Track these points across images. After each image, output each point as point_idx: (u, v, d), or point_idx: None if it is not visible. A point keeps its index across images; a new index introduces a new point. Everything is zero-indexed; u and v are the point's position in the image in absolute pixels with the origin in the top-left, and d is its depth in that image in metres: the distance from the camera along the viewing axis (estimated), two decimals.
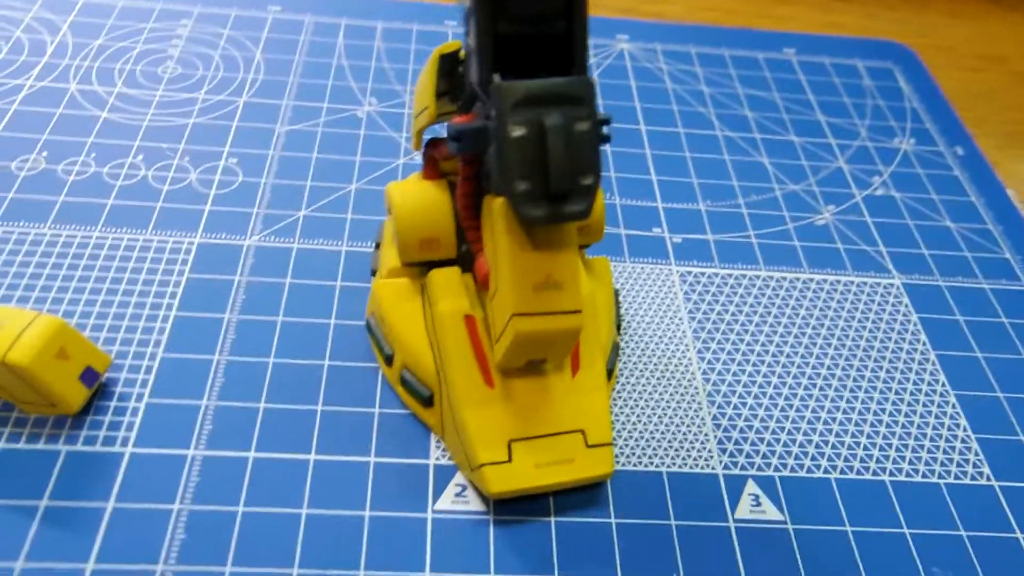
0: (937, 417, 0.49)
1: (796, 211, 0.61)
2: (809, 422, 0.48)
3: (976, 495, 0.46)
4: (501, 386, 0.42)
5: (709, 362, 0.51)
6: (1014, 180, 0.69)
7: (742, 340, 0.52)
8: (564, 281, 0.38)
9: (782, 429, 0.48)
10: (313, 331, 0.49)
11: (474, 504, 0.43)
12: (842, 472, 0.46)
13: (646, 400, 0.48)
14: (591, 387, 0.43)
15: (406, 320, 0.45)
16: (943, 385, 0.51)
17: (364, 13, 0.74)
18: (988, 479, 0.47)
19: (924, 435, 0.48)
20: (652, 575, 0.41)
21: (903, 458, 0.47)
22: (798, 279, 0.56)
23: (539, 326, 0.38)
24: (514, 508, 0.42)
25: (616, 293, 0.50)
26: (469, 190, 0.42)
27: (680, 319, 0.53)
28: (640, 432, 0.47)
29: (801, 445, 0.47)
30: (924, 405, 0.50)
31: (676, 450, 0.46)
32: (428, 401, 0.44)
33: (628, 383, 0.49)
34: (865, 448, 0.47)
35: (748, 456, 0.46)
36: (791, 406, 0.49)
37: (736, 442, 0.47)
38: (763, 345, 0.52)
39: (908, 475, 0.46)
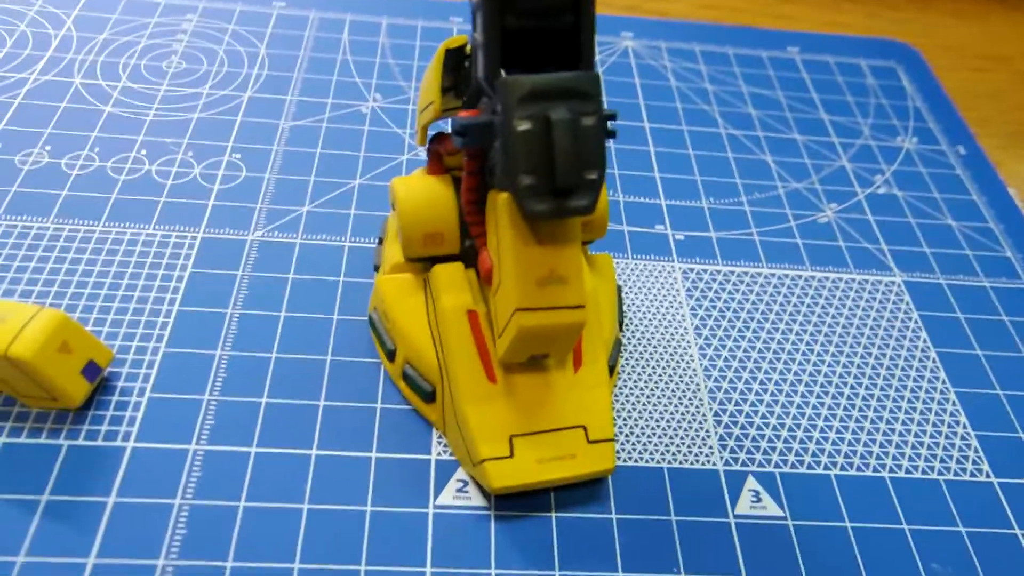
0: (937, 414, 0.50)
1: (799, 209, 0.61)
2: (809, 419, 0.48)
3: (975, 492, 0.46)
4: (503, 381, 0.42)
5: (711, 359, 0.51)
6: (1016, 179, 0.69)
7: (744, 337, 0.52)
8: (568, 276, 0.38)
9: (783, 425, 0.48)
10: (315, 326, 0.49)
11: (475, 499, 0.43)
12: (842, 468, 0.46)
13: (648, 396, 0.48)
14: (593, 383, 0.43)
15: (409, 315, 0.45)
16: (943, 382, 0.51)
17: (369, 9, 0.74)
18: (987, 476, 0.47)
19: (924, 432, 0.48)
20: (653, 570, 0.41)
21: (903, 455, 0.47)
22: (800, 276, 0.56)
23: (542, 321, 0.38)
24: (515, 503, 0.43)
25: (619, 289, 0.50)
26: (473, 185, 0.42)
27: (682, 316, 0.53)
28: (642, 428, 0.47)
29: (801, 441, 0.47)
30: (924, 402, 0.50)
31: (677, 446, 0.46)
32: (430, 396, 0.44)
33: (630, 379, 0.49)
34: (865, 444, 0.47)
35: (749, 452, 0.46)
36: (792, 403, 0.49)
37: (737, 438, 0.47)
38: (764, 342, 0.52)
39: (908, 472, 0.46)
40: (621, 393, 0.48)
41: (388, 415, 0.46)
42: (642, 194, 0.61)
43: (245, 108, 0.62)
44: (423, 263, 0.46)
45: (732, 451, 0.46)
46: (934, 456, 0.47)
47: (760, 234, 0.59)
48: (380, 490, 0.42)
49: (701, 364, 0.50)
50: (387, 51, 0.70)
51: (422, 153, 0.61)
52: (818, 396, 0.49)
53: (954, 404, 0.50)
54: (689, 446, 0.46)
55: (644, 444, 0.46)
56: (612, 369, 0.47)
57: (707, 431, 0.47)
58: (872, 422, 0.49)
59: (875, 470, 0.46)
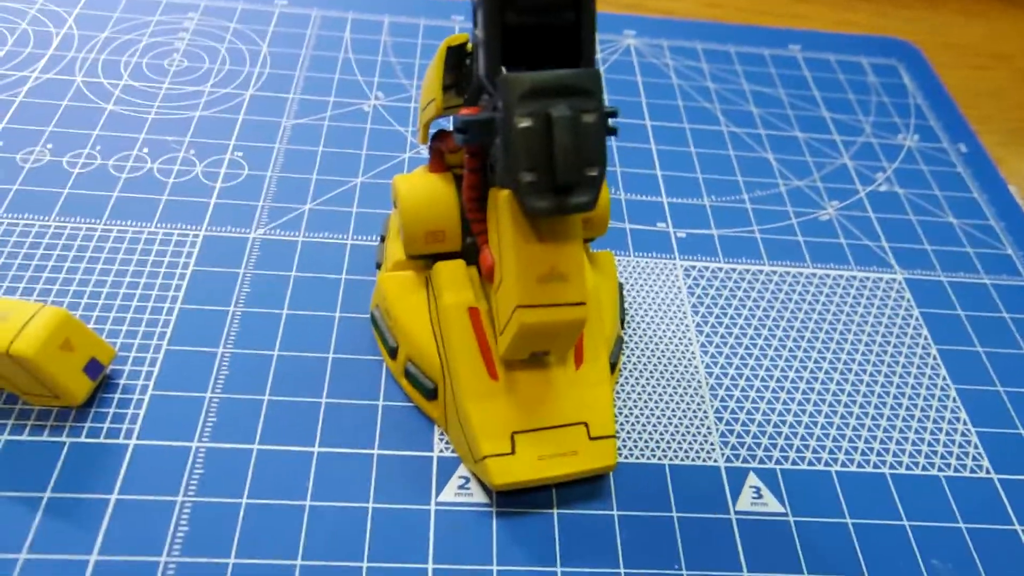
0: (938, 411, 0.50)
1: (800, 207, 0.61)
2: (810, 415, 0.48)
3: (976, 488, 0.46)
4: (505, 378, 0.42)
5: (712, 356, 0.51)
6: (1017, 177, 0.69)
7: (745, 334, 0.52)
8: (569, 273, 0.38)
9: (784, 422, 0.48)
10: (317, 324, 0.49)
11: (477, 496, 0.43)
12: (843, 465, 0.46)
13: (649, 393, 0.48)
14: (595, 380, 0.43)
15: (411, 313, 0.45)
16: (944, 379, 0.51)
17: (371, 7, 0.74)
18: (988, 472, 0.47)
19: (925, 428, 0.49)
20: (654, 566, 0.41)
21: (903, 451, 0.47)
22: (801, 274, 0.56)
23: (543, 318, 0.38)
24: (517, 500, 0.43)
25: (620, 287, 0.50)
26: (475, 182, 0.42)
27: (684, 313, 0.53)
28: (643, 425, 0.47)
29: (802, 438, 0.47)
30: (925, 399, 0.50)
31: (679, 443, 0.46)
32: (432, 394, 0.44)
33: (632, 376, 0.49)
34: (866, 441, 0.47)
35: (750, 449, 0.46)
36: (793, 399, 0.49)
37: (738, 435, 0.47)
38: (766, 339, 0.52)
39: (908, 468, 0.47)
40: (623, 390, 0.48)
41: (390, 412, 0.46)
42: (644, 192, 0.61)
43: (247, 106, 0.62)
44: (425, 260, 0.46)
45: (733, 448, 0.46)
46: (934, 452, 0.47)
47: (761, 231, 0.59)
48: (382, 487, 0.42)
49: (703, 361, 0.50)
50: (389, 49, 0.70)
51: (424, 151, 0.61)
52: (819, 393, 0.49)
53: (954, 400, 0.50)
54: (690, 443, 0.46)
55: (646, 441, 0.46)
56: (614, 366, 0.47)
57: (708, 428, 0.47)
58: (873, 418, 0.49)
59: (876, 466, 0.46)
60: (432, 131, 0.46)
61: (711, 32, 0.78)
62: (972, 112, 0.75)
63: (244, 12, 0.71)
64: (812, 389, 0.50)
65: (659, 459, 0.45)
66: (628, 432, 0.46)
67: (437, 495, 0.43)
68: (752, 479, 0.45)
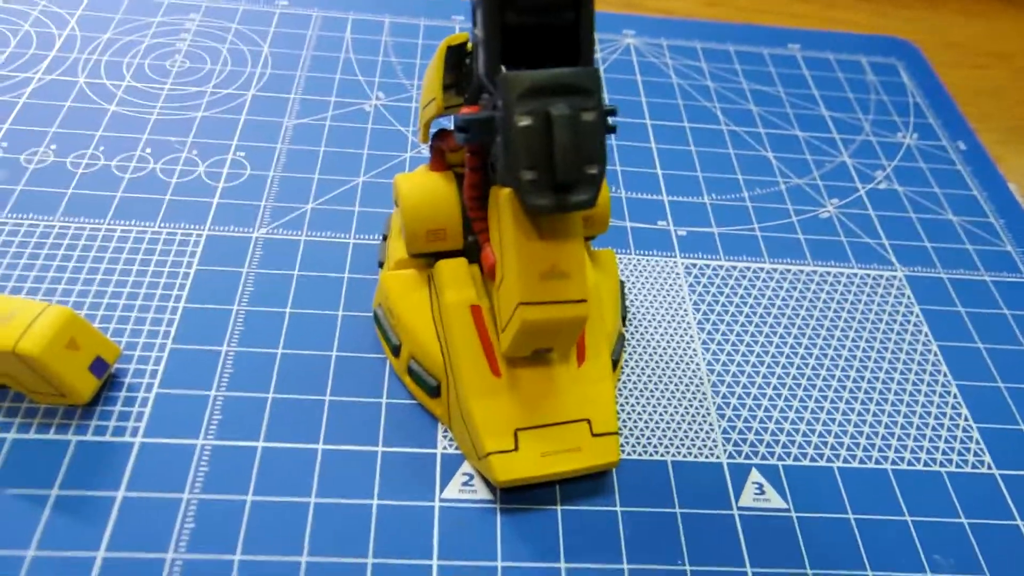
0: (939, 407, 0.50)
1: (800, 204, 0.62)
2: (812, 412, 0.48)
3: (977, 483, 0.47)
4: (507, 376, 0.42)
5: (713, 353, 0.51)
6: (1016, 174, 0.69)
7: (746, 331, 0.52)
8: (570, 270, 0.38)
9: (785, 419, 0.48)
10: (321, 322, 0.49)
11: (481, 493, 0.43)
12: (845, 461, 0.46)
13: (651, 390, 0.48)
14: (597, 377, 0.43)
15: (413, 311, 0.45)
16: (944, 375, 0.52)
17: (372, 8, 0.74)
18: (989, 467, 0.47)
19: (926, 424, 0.49)
20: (657, 562, 0.41)
21: (905, 447, 0.47)
22: (802, 271, 0.56)
23: (545, 315, 0.38)
24: (521, 497, 0.43)
25: (621, 284, 0.50)
26: (476, 181, 0.42)
27: (685, 311, 0.53)
28: (645, 421, 0.47)
29: (804, 434, 0.47)
30: (926, 395, 0.50)
31: (681, 439, 0.46)
32: (435, 391, 0.45)
33: (634, 373, 0.49)
34: (868, 437, 0.48)
35: (752, 445, 0.47)
36: (794, 396, 0.49)
37: (740, 431, 0.47)
38: (767, 336, 0.52)
39: (910, 464, 0.47)
40: (625, 387, 0.48)
41: (393, 410, 0.46)
42: (644, 190, 0.61)
43: (249, 106, 0.62)
44: (427, 259, 0.46)
45: (736, 444, 0.46)
46: (936, 448, 0.48)
47: (762, 229, 0.59)
48: (386, 484, 0.43)
49: (704, 358, 0.50)
50: (389, 49, 0.70)
51: (425, 150, 0.61)
52: (820, 389, 0.50)
53: (955, 397, 0.50)
54: (693, 439, 0.46)
55: (648, 437, 0.46)
56: (615, 363, 0.47)
57: (711, 424, 0.47)
58: (874, 415, 0.49)
59: (877, 462, 0.47)
60: (433, 130, 0.46)
61: (710, 31, 0.78)
62: (971, 110, 0.75)
63: (245, 13, 0.71)
64: (814, 385, 0.50)
65: (662, 455, 0.45)
66: (631, 429, 0.46)
67: (441, 492, 0.43)
68: (755, 475, 0.45)
